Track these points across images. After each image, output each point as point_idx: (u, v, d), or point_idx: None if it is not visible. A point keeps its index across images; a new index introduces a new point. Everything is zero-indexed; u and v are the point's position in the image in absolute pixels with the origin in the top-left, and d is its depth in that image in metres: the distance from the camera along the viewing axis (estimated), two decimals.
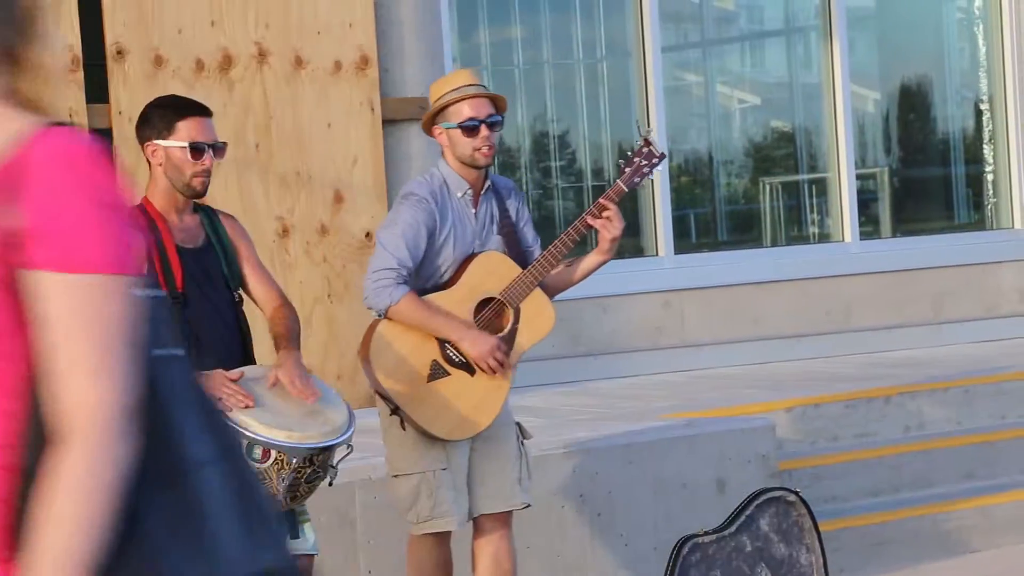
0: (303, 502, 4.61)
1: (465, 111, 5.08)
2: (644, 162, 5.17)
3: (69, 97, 7.48)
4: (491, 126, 5.09)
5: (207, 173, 4.58)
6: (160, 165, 4.59)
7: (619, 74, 9.76)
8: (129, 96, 7.64)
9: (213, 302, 4.61)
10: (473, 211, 5.18)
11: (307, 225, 8.06)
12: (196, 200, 4.69)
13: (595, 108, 9.66)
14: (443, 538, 5.19)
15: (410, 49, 8.42)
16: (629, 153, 5.25)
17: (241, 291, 4.74)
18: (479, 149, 5.08)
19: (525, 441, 5.31)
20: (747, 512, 5.84)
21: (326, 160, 8.11)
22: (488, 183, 5.22)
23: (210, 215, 4.72)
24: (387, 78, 8.36)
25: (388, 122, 8.32)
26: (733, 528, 5.81)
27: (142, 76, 7.66)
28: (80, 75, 7.51)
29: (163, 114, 4.60)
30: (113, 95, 7.64)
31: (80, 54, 7.51)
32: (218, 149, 4.60)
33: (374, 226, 8.21)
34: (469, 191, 5.17)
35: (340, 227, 8.14)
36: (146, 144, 4.60)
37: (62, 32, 7.46)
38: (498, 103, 5.14)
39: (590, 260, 5.21)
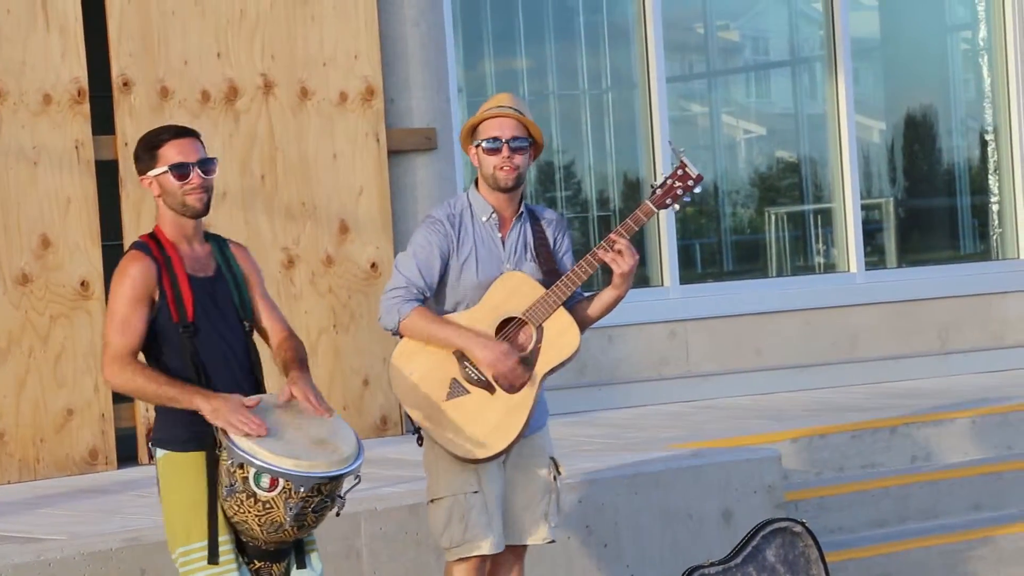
0: (311, 532, 4.60)
1: (490, 129, 5.09)
2: (678, 184, 5.09)
3: (76, 129, 7.51)
4: (514, 148, 5.08)
5: (202, 189, 4.59)
6: (158, 196, 4.63)
7: (624, 105, 9.78)
8: (135, 127, 7.65)
9: (223, 332, 4.61)
10: (500, 236, 5.16)
11: (312, 256, 8.08)
12: (205, 229, 4.70)
13: (600, 139, 9.68)
14: (477, 565, 5.14)
15: (416, 80, 8.45)
16: (663, 174, 5.19)
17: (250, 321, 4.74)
18: (499, 168, 5.08)
19: (558, 477, 5.27)
20: (753, 543, 5.84)
21: (331, 191, 8.12)
22: (521, 209, 5.21)
23: (220, 244, 4.73)
24: (392, 109, 8.38)
25: (393, 153, 8.34)
26: (739, 559, 5.80)
27: (148, 107, 7.69)
28: (86, 106, 7.54)
29: (145, 147, 4.64)
30: (119, 126, 7.66)
31: (86, 85, 7.54)
32: (204, 165, 4.60)
33: (379, 257, 8.23)
34: (495, 215, 5.15)
35: (346, 258, 8.15)
36: (142, 179, 4.65)
37: (68, 64, 7.49)
38: (530, 129, 5.13)
39: (606, 295, 5.16)
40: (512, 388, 5.04)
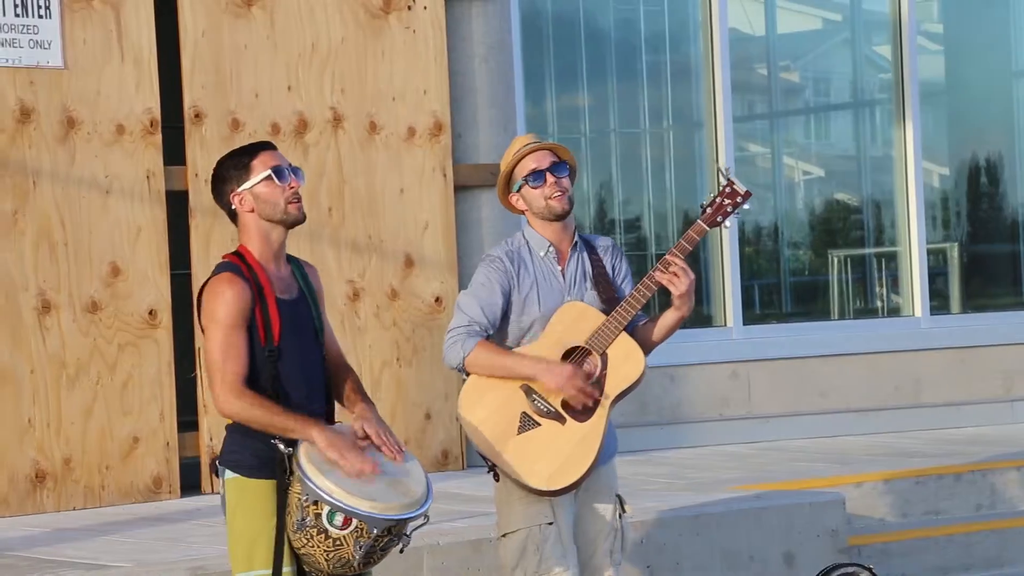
0: (373, 567, 4.60)
1: (528, 165, 5.11)
2: (728, 201, 5.10)
3: (147, 159, 7.58)
4: (557, 174, 5.10)
5: (298, 196, 4.55)
6: (251, 211, 4.55)
7: (685, 143, 9.79)
8: (206, 158, 7.72)
9: (304, 355, 4.56)
10: (560, 268, 5.18)
11: (377, 289, 8.11)
12: (288, 253, 4.64)
13: (660, 176, 9.69)
14: None
15: (483, 116, 8.48)
16: (711, 194, 5.20)
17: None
18: (550, 197, 5.09)
19: (623, 514, 5.27)
20: None
21: (398, 225, 8.16)
22: (576, 240, 5.23)
23: (299, 265, 4.69)
24: (460, 144, 8.42)
25: (460, 188, 8.37)
26: None
27: (219, 139, 7.75)
28: (158, 138, 7.61)
29: (234, 163, 4.58)
30: (190, 157, 7.72)
31: (159, 117, 7.61)
32: (297, 171, 4.59)
33: (444, 291, 8.25)
34: (552, 249, 5.17)
35: (410, 291, 8.18)
36: (231, 196, 4.55)
37: (142, 96, 7.57)
38: (560, 153, 5.14)
39: (668, 318, 5.16)
40: (585, 408, 5.04)
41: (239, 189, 4.53)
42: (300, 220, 4.57)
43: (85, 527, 6.86)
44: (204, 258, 7.71)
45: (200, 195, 7.72)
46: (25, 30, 7.37)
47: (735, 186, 5.11)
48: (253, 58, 7.84)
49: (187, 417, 7.75)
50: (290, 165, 4.57)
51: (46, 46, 7.41)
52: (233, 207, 4.54)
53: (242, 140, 7.79)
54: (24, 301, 7.31)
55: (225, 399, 4.44)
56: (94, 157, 7.47)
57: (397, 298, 8.16)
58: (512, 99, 8.66)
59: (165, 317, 7.59)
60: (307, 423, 4.45)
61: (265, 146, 4.60)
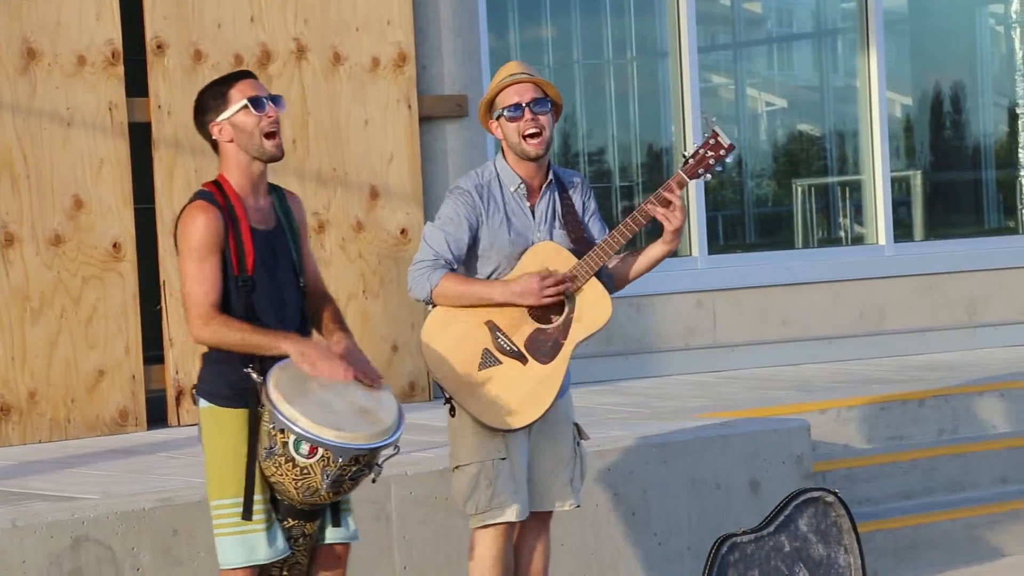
0: (346, 495, 4.62)
1: (509, 97, 5.08)
2: (710, 154, 5.09)
3: (109, 91, 7.52)
4: (536, 111, 5.06)
5: (276, 127, 4.55)
6: (230, 141, 4.56)
7: (648, 75, 9.77)
8: (168, 90, 7.67)
9: (279, 287, 4.58)
10: (529, 205, 5.15)
11: (343, 221, 8.09)
12: (271, 181, 4.65)
13: (624, 108, 9.67)
14: (504, 532, 5.16)
15: (448, 47, 8.44)
16: (695, 144, 5.18)
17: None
18: (525, 134, 5.06)
19: (582, 442, 5.30)
20: (786, 512, 5.86)
21: (362, 157, 8.13)
22: (550, 178, 5.20)
23: (280, 195, 4.69)
24: (424, 75, 8.38)
25: (425, 119, 8.34)
26: (772, 528, 5.82)
27: (181, 70, 7.69)
28: (120, 69, 7.54)
29: (213, 92, 4.59)
30: (152, 89, 7.67)
31: (121, 48, 7.54)
32: (276, 100, 4.58)
33: (409, 223, 8.24)
34: (523, 186, 5.14)
35: (375, 223, 8.17)
36: (210, 127, 4.57)
37: (103, 26, 7.49)
38: (546, 90, 5.12)
39: (655, 250, 5.17)
40: (548, 350, 5.04)
41: (218, 119, 4.56)
42: (277, 157, 4.58)
43: (52, 460, 6.86)
44: (168, 191, 7.67)
45: (163, 127, 7.67)
46: None
47: (719, 138, 5.08)
48: None
49: (153, 351, 7.74)
50: (269, 94, 4.57)
51: None
52: (213, 137, 4.57)
53: (205, 71, 7.73)
54: None
55: (196, 326, 4.49)
56: (55, 88, 7.41)
57: (362, 230, 8.14)
58: (476, 30, 8.62)
59: (129, 250, 7.56)
60: (277, 337, 4.49)
61: (244, 75, 4.61)
